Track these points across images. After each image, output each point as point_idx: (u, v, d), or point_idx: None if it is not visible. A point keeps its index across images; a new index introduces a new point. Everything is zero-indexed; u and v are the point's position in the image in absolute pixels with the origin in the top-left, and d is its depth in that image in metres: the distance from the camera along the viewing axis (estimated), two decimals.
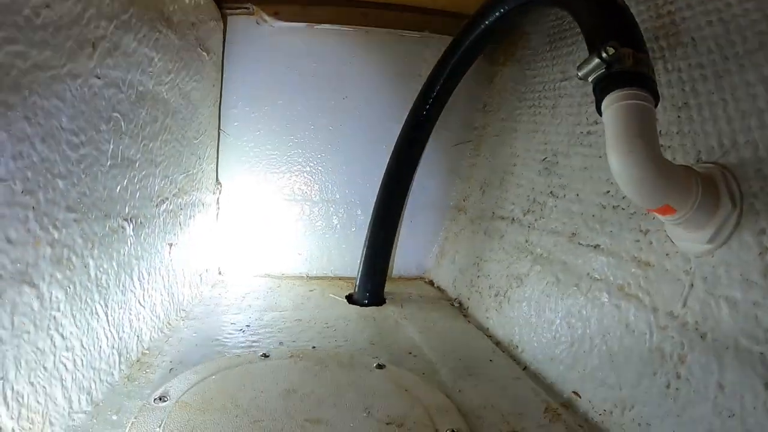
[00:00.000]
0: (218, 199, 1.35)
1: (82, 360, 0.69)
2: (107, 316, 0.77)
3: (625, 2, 0.70)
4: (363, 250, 1.25)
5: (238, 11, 1.31)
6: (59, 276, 0.64)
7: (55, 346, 0.64)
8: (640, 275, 0.75)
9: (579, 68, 0.65)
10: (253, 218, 1.40)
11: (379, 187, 1.26)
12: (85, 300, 0.71)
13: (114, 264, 0.80)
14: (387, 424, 0.69)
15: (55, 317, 0.63)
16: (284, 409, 0.71)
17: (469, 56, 1.15)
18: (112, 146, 0.77)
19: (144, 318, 0.91)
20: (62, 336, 0.65)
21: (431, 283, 1.44)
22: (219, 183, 1.35)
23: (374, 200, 1.26)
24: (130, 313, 0.86)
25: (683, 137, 0.73)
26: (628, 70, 0.61)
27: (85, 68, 0.67)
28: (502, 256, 1.12)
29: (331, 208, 1.42)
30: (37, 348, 0.60)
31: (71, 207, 0.67)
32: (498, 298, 1.09)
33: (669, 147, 0.75)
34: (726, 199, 0.62)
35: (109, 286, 0.78)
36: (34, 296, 0.59)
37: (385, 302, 1.25)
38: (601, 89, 0.62)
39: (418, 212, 1.44)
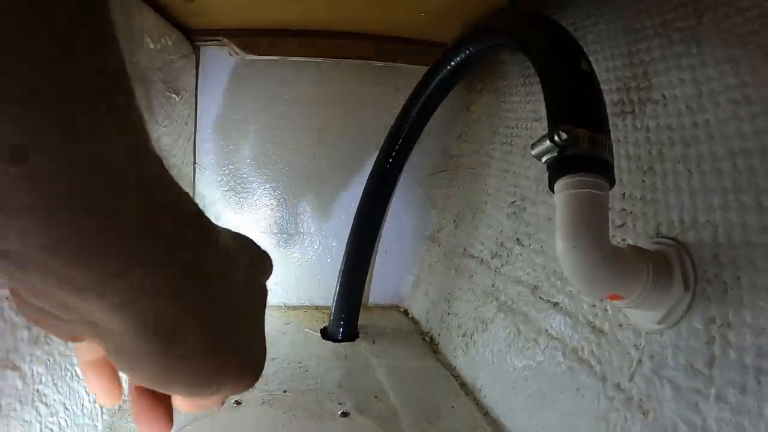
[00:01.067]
0: None
1: (66, 421, 0.73)
2: None
3: (590, 66, 0.68)
4: (336, 285, 1.25)
5: (209, 43, 1.30)
6: (38, 353, 0.68)
7: (40, 415, 0.67)
8: (593, 341, 0.76)
9: (532, 147, 0.63)
10: None
11: (353, 219, 1.26)
12: (65, 367, 0.74)
13: None
14: None
15: (38, 390, 0.67)
16: None
17: (442, 90, 1.15)
18: None
19: None
20: (46, 405, 0.69)
21: (406, 312, 1.45)
22: None
23: (348, 232, 1.26)
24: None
25: (645, 204, 0.72)
26: (580, 155, 0.59)
27: None
28: (470, 297, 1.13)
29: (306, 240, 1.42)
30: (24, 420, 0.64)
31: None
32: (465, 338, 1.10)
33: (630, 213, 0.74)
34: (679, 281, 0.61)
35: None
36: (18, 377, 0.63)
37: (358, 336, 1.26)
38: (552, 174, 0.62)
39: (394, 241, 1.44)
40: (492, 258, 1.09)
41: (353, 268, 1.25)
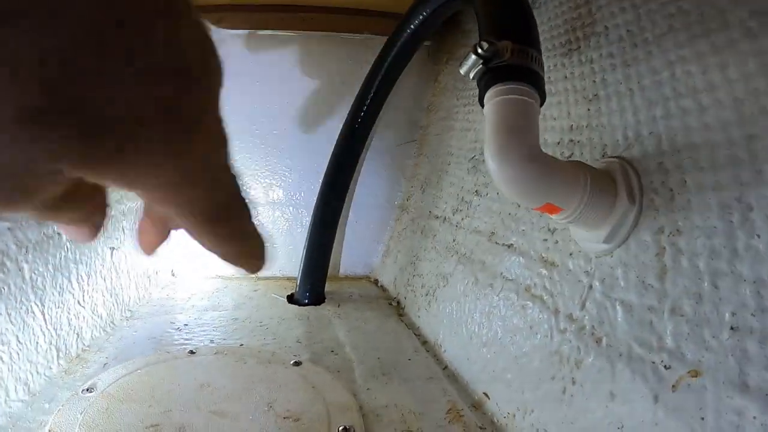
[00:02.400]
0: None
1: (18, 354, 0.73)
2: (44, 315, 0.80)
3: None
4: (303, 251, 1.23)
5: None
6: None
7: None
8: (545, 276, 0.73)
9: (460, 65, 0.62)
10: None
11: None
12: (20, 300, 0.74)
13: (50, 267, 0.82)
14: (284, 418, 0.69)
15: None
16: (194, 402, 0.72)
17: (403, 57, 1.14)
18: None
19: (84, 317, 0.92)
20: None
21: (376, 282, 1.42)
22: None
23: None
24: (69, 313, 0.88)
25: (591, 131, 0.70)
26: (506, 64, 0.57)
27: None
28: (433, 255, 1.10)
29: (277, 211, 1.40)
30: None
31: (4, 217, 0.70)
32: (428, 297, 1.07)
33: (578, 142, 0.73)
34: (623, 196, 0.58)
35: (45, 288, 0.81)
36: None
37: (324, 301, 1.23)
38: (480, 88, 0.60)
39: (364, 212, 1.42)
40: (453, 214, 1.06)
41: (319, 232, 1.23)
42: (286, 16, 1.32)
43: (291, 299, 1.23)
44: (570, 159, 0.72)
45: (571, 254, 0.69)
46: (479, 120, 1.06)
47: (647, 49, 0.63)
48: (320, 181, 1.25)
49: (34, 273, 0.78)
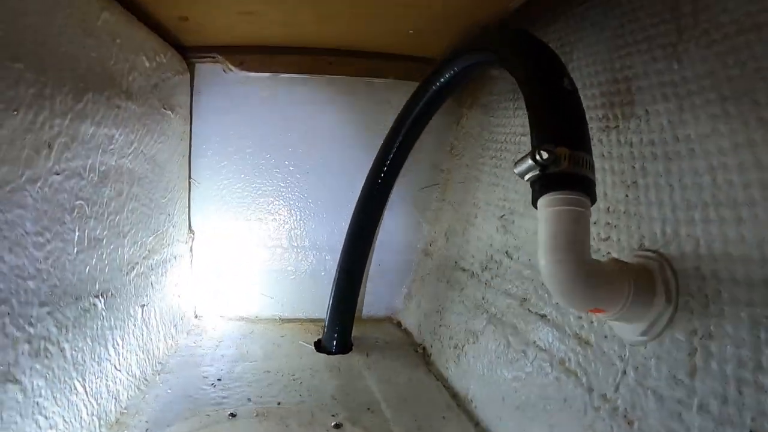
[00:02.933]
0: (191, 247, 1.35)
1: None
2: (85, 389, 0.81)
3: (572, 84, 0.68)
4: (330, 298, 1.25)
5: (204, 60, 1.31)
6: (38, 366, 0.69)
7: (40, 427, 0.69)
8: (580, 352, 0.76)
9: (516, 165, 0.63)
10: (226, 263, 1.40)
11: (346, 232, 1.26)
12: (64, 380, 0.75)
13: (88, 340, 0.83)
14: None
15: (37, 403, 0.68)
16: None
17: (433, 104, 1.15)
18: (77, 233, 0.78)
19: (121, 380, 0.94)
20: (45, 417, 0.70)
21: (399, 324, 1.45)
22: (192, 231, 1.35)
23: (341, 245, 1.26)
24: (107, 379, 0.89)
25: (629, 218, 0.72)
26: (562, 173, 0.59)
27: (43, 169, 0.68)
28: (461, 308, 1.13)
29: (301, 254, 1.42)
30: None
31: (43, 302, 0.70)
32: (456, 350, 1.10)
33: (615, 226, 0.75)
34: (661, 294, 0.61)
35: (85, 362, 0.82)
36: (18, 390, 0.64)
37: (351, 348, 1.26)
38: (535, 191, 0.62)
39: (387, 255, 1.44)
40: (482, 271, 1.09)
41: (346, 280, 1.25)
42: (311, 58, 1.34)
43: (319, 346, 1.26)
44: (607, 241, 0.75)
45: (605, 337, 0.72)
46: (507, 177, 1.08)
47: (690, 146, 0.64)
48: (345, 225, 1.27)
49: (74, 350, 0.79)
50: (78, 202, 0.77)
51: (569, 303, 0.60)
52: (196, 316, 1.42)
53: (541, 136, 0.64)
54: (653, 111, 0.72)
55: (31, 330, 0.67)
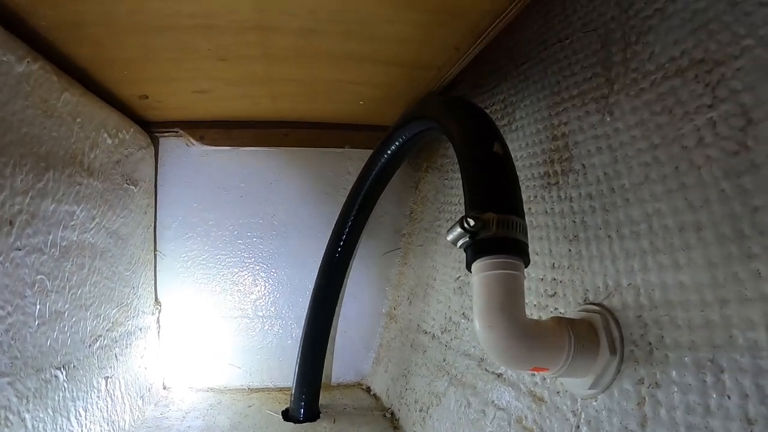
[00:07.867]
0: (158, 318, 1.33)
1: None
2: None
3: (503, 148, 0.69)
4: (295, 367, 1.23)
5: (167, 134, 1.34)
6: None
7: None
8: (535, 410, 0.76)
9: (448, 233, 0.64)
10: (194, 334, 1.37)
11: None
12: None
13: (50, 411, 0.81)
14: None
15: None
16: None
17: (387, 171, 1.17)
18: (38, 306, 0.77)
19: None
20: None
21: (368, 389, 1.42)
22: (158, 302, 1.33)
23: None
24: None
25: (573, 273, 0.73)
26: (490, 238, 0.60)
27: (4, 245, 0.68)
28: (425, 371, 1.12)
29: (267, 323, 1.41)
30: None
31: (3, 372, 0.69)
32: (422, 413, 1.08)
33: (560, 282, 0.75)
34: (605, 347, 0.61)
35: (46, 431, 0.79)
36: None
37: (319, 416, 1.22)
38: (467, 257, 0.62)
39: (353, 321, 1.43)
40: (442, 333, 1.09)
41: (311, 349, 1.23)
42: (267, 132, 1.37)
43: (286, 415, 1.22)
44: (554, 297, 0.77)
45: (558, 393, 0.72)
46: None
47: (625, 196, 0.66)
48: (309, 292, 1.26)
49: (36, 420, 0.77)
50: (39, 277, 0.77)
51: (508, 365, 0.60)
52: (164, 387, 1.37)
53: (470, 203, 0.65)
54: (589, 164, 0.73)
55: None
